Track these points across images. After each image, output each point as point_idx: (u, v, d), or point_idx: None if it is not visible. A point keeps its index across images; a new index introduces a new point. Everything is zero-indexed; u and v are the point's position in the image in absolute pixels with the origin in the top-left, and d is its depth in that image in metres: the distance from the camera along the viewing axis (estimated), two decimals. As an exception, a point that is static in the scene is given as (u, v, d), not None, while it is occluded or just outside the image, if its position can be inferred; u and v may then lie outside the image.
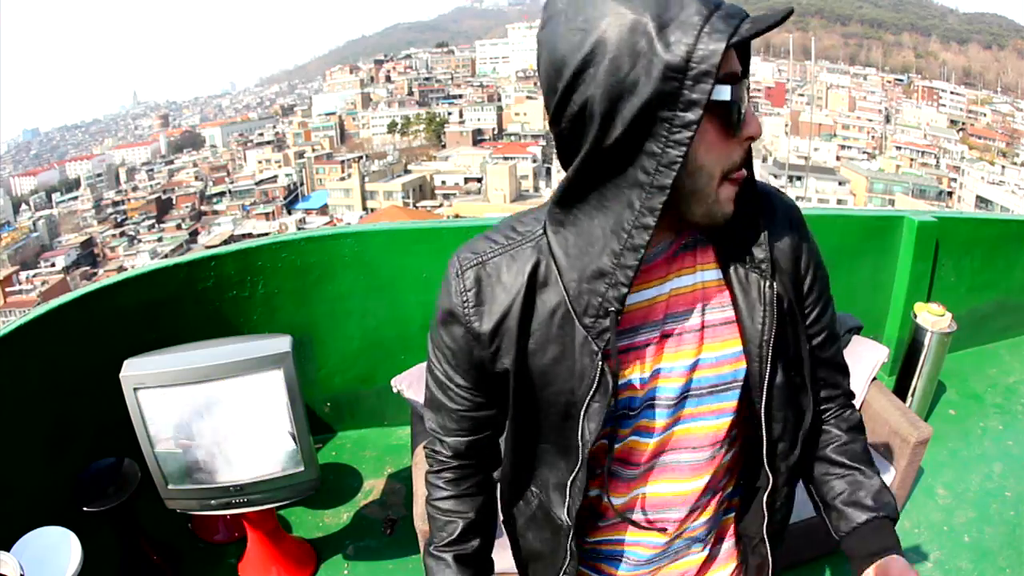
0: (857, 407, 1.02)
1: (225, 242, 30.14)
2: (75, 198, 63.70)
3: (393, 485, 2.68)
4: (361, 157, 56.45)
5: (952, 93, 59.98)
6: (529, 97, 63.65)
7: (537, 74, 0.71)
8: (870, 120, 57.09)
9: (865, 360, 2.43)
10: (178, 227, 53.66)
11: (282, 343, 1.84)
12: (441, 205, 47.23)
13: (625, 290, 0.71)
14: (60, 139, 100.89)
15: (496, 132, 62.99)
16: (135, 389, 1.75)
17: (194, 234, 51.57)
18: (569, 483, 0.85)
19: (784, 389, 0.83)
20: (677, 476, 0.87)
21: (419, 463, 2.04)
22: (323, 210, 48.93)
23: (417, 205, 46.71)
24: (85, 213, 59.79)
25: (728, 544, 1.00)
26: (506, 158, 50.72)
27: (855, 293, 3.34)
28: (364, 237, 2.71)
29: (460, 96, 69.66)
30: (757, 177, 0.80)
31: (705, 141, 0.68)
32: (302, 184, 55.88)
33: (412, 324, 2.82)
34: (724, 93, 0.65)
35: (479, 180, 49.16)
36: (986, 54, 71.18)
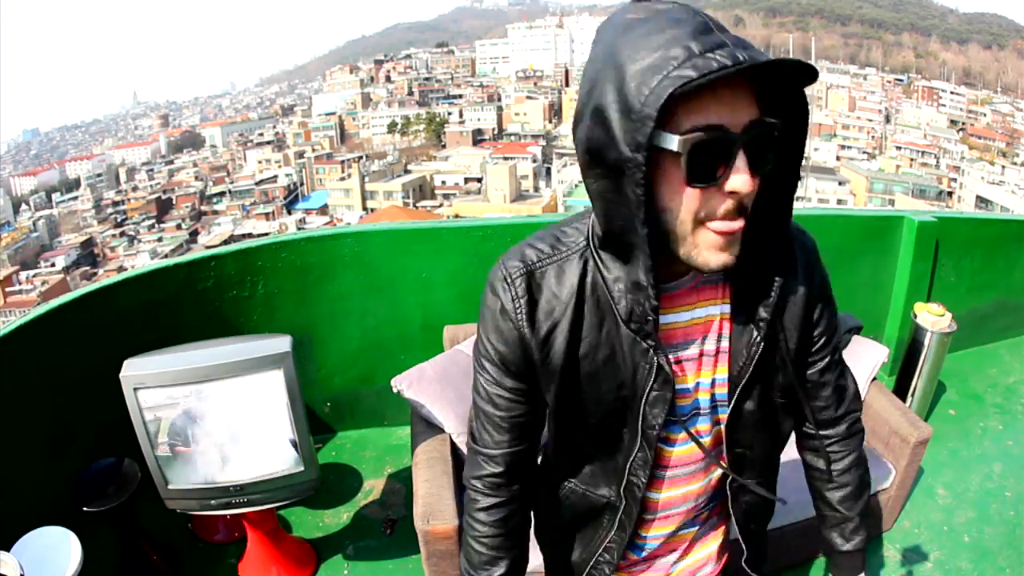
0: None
1: (225, 242, 30.13)
2: (75, 198, 63.70)
3: (393, 485, 2.68)
4: (361, 157, 56.43)
5: (952, 93, 59.99)
6: (529, 97, 63.69)
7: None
8: (870, 120, 57.09)
9: (865, 360, 2.43)
10: (178, 227, 53.64)
11: (282, 343, 1.84)
12: (441, 205, 47.23)
13: (656, 302, 0.77)
14: (60, 139, 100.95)
15: (496, 132, 63.00)
16: (135, 389, 1.75)
17: (194, 234, 51.54)
18: (628, 466, 0.91)
19: (755, 414, 0.92)
20: (692, 478, 0.97)
21: (419, 463, 2.04)
22: (323, 210, 48.90)
23: (417, 205, 46.71)
24: (85, 213, 59.78)
25: (716, 526, 1.11)
26: (506, 158, 50.70)
27: (855, 293, 3.34)
28: (364, 237, 2.71)
29: (460, 96, 69.67)
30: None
31: (669, 186, 0.70)
32: (302, 184, 55.86)
33: (412, 324, 2.82)
34: (672, 143, 0.66)
35: (479, 180, 49.12)
36: (986, 54, 71.20)
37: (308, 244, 2.66)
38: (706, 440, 0.93)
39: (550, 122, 63.25)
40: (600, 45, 0.71)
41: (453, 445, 2.13)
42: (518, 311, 0.84)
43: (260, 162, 59.96)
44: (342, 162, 54.90)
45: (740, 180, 0.68)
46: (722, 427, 0.91)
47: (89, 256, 51.72)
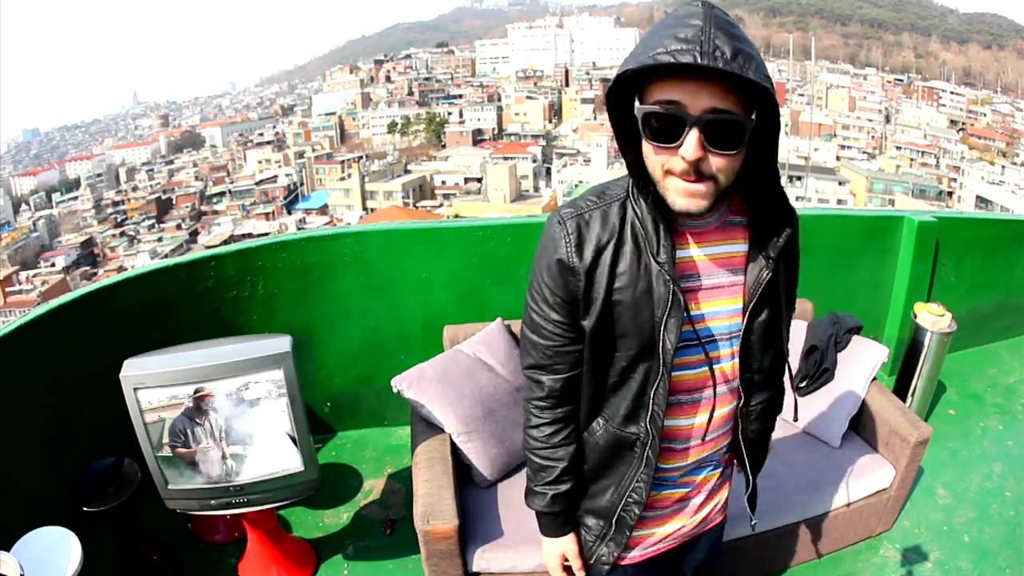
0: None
1: (225, 242, 30.14)
2: (75, 198, 63.62)
3: (393, 485, 2.68)
4: (361, 157, 56.37)
5: (952, 93, 59.95)
6: (529, 97, 63.67)
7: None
8: (870, 120, 57.05)
9: (865, 360, 2.43)
10: (178, 227, 53.57)
11: (282, 343, 1.84)
12: (441, 205, 47.18)
13: (669, 233, 1.00)
14: (60, 139, 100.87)
15: (496, 132, 62.94)
16: (135, 389, 1.75)
17: (194, 234, 51.49)
18: (652, 395, 1.07)
19: (762, 336, 1.11)
20: (707, 405, 1.13)
21: (419, 463, 2.04)
22: (323, 210, 48.85)
23: (417, 205, 46.67)
24: (85, 213, 59.71)
25: (724, 482, 1.31)
26: (506, 158, 50.64)
27: (855, 293, 3.33)
28: (364, 237, 2.71)
29: (460, 96, 69.60)
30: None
31: (645, 142, 0.95)
32: (302, 184, 55.80)
33: (412, 324, 2.83)
34: (638, 110, 0.92)
35: (479, 180, 49.06)
36: (986, 54, 71.18)
37: (308, 244, 2.66)
38: (722, 367, 1.11)
39: (550, 122, 63.22)
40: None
41: (453, 445, 2.13)
42: (568, 245, 1.03)
43: (260, 162, 59.90)
44: (342, 162, 54.85)
45: (687, 149, 0.89)
46: (736, 347, 1.09)
47: (89, 256, 51.67)
